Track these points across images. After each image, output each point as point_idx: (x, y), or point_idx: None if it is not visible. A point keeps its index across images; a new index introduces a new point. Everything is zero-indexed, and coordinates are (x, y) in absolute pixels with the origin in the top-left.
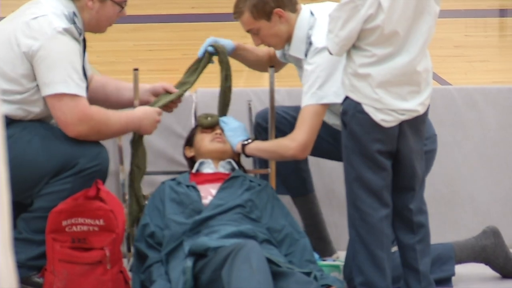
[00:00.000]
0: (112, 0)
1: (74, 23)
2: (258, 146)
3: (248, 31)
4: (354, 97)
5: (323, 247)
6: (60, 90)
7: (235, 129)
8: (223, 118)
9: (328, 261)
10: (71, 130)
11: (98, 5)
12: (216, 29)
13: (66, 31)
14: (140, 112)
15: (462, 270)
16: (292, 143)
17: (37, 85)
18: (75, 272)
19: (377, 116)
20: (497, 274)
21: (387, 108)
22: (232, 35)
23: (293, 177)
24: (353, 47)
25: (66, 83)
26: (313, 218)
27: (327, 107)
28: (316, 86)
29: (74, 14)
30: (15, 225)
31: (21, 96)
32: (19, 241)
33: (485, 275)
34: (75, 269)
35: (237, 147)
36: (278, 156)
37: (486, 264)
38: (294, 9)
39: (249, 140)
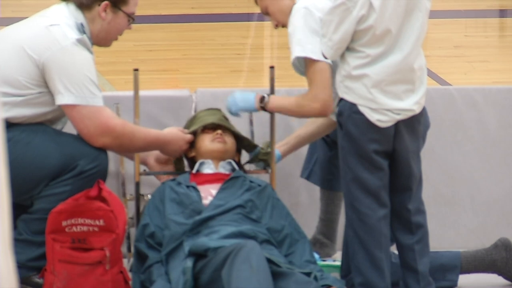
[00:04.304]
0: (124, 12)
1: (84, 33)
2: (280, 103)
3: (263, 13)
4: (349, 98)
5: (325, 243)
6: (78, 101)
7: (242, 100)
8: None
9: (328, 262)
10: (95, 141)
11: (110, 16)
12: (216, 29)
13: (79, 41)
14: (170, 136)
15: (467, 276)
16: (316, 104)
17: (44, 91)
18: (75, 272)
19: (373, 116)
20: (505, 282)
21: (382, 108)
22: (232, 35)
23: (325, 168)
24: (347, 49)
25: (83, 93)
26: (327, 214)
27: (327, 65)
28: (301, 42)
29: (82, 25)
30: (15, 226)
31: (23, 98)
32: (19, 242)
33: (492, 284)
34: (75, 270)
35: (256, 106)
36: (303, 116)
37: (498, 275)
38: None
39: (266, 97)
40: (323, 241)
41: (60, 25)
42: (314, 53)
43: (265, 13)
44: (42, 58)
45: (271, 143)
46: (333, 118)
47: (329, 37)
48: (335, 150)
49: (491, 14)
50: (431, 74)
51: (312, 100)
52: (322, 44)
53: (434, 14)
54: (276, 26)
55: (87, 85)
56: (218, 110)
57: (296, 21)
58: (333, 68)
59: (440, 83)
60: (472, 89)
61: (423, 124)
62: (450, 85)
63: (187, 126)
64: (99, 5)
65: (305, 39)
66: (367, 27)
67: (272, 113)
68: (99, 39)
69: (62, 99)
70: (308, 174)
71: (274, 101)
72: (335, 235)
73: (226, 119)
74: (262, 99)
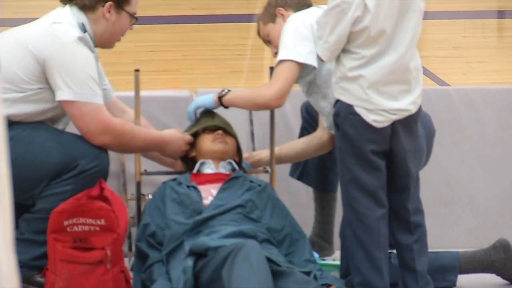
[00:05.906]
0: (127, 12)
1: (85, 31)
2: (235, 95)
3: (264, 41)
4: (345, 99)
5: (322, 246)
6: (77, 98)
7: (202, 97)
8: (192, 105)
9: (328, 261)
10: (94, 140)
11: (114, 17)
12: (216, 30)
13: (81, 39)
14: (168, 136)
15: (466, 276)
16: (268, 91)
17: (44, 87)
18: (76, 272)
19: (369, 117)
20: (504, 282)
21: (378, 108)
22: (232, 36)
23: (316, 170)
24: (342, 50)
25: (83, 90)
26: (322, 216)
27: (301, 67)
28: (289, 47)
29: (83, 25)
30: (17, 226)
31: (23, 94)
32: (21, 241)
33: (491, 284)
34: (76, 269)
35: (215, 99)
36: (254, 104)
37: (497, 275)
38: (300, 10)
39: (225, 90)
40: (320, 244)
41: (62, 23)
42: (300, 56)
43: (266, 41)
44: (43, 54)
45: (271, 143)
46: (332, 131)
47: (325, 39)
48: (327, 153)
49: (490, 15)
50: (429, 75)
51: (268, 87)
52: (318, 47)
53: (432, 15)
54: (276, 54)
55: (88, 83)
56: (215, 113)
57: (286, 29)
58: (330, 71)
59: (439, 83)
60: (471, 89)
61: (419, 123)
62: (449, 85)
63: (187, 130)
64: (102, 6)
65: (292, 43)
66: (362, 28)
67: (227, 107)
68: (103, 40)
69: (62, 94)
70: (299, 174)
71: (232, 93)
72: (332, 236)
73: (228, 124)
74: (222, 91)
